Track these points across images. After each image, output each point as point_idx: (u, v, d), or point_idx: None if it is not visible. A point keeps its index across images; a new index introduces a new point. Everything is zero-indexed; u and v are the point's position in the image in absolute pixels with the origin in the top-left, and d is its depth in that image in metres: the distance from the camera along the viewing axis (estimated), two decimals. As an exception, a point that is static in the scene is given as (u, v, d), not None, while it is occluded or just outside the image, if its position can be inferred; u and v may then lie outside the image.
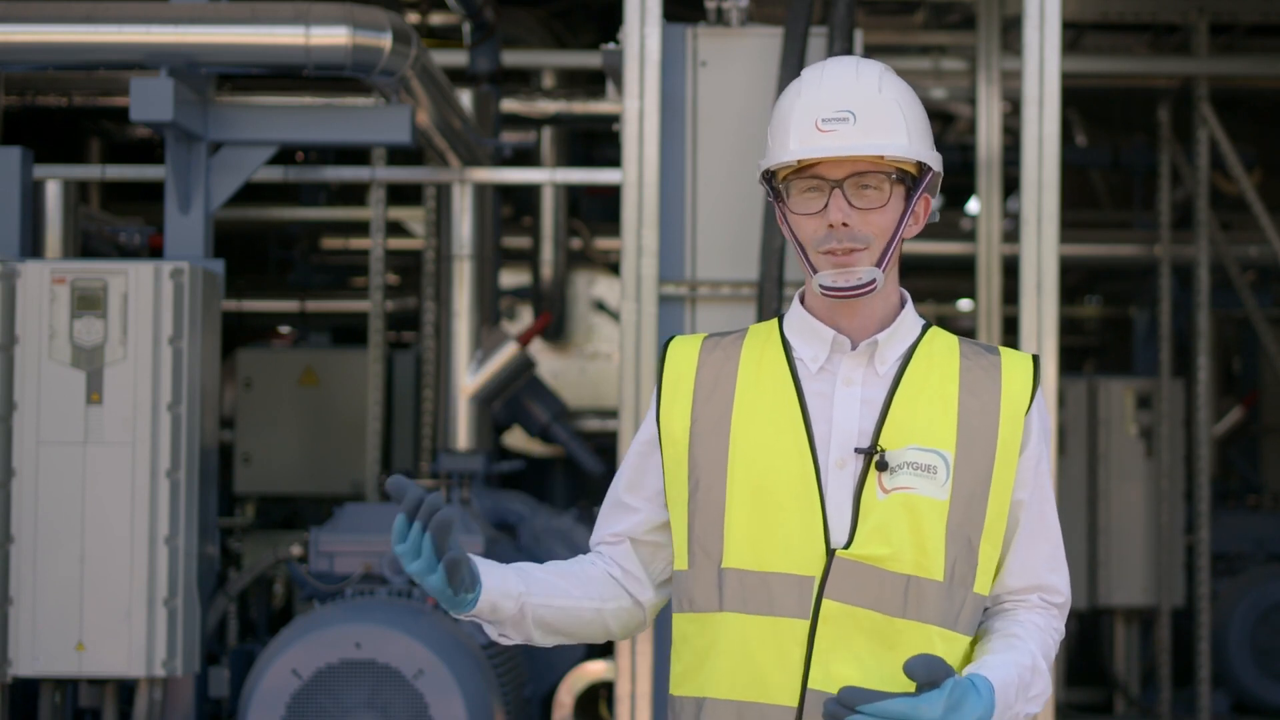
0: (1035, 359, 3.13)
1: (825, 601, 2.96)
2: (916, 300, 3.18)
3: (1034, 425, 3.08)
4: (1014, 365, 3.10)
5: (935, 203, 3.16)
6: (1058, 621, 3.12)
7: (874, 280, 3.01)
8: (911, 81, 3.19)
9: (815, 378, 3.06)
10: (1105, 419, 11.27)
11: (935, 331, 3.14)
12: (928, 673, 2.82)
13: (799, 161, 3.02)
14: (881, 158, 3.01)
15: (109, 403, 7.07)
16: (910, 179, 3.06)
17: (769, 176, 3.10)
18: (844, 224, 3.00)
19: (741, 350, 3.11)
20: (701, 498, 3.05)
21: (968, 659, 3.05)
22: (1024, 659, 3.01)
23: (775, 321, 3.15)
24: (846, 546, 2.97)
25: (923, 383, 3.05)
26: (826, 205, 3.01)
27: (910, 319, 3.10)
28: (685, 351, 3.14)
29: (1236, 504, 12.23)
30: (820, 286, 3.03)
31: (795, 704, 2.97)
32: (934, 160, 3.07)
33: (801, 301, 3.13)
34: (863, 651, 2.94)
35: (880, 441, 3.01)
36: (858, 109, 3.02)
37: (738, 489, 3.02)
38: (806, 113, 3.03)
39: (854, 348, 3.06)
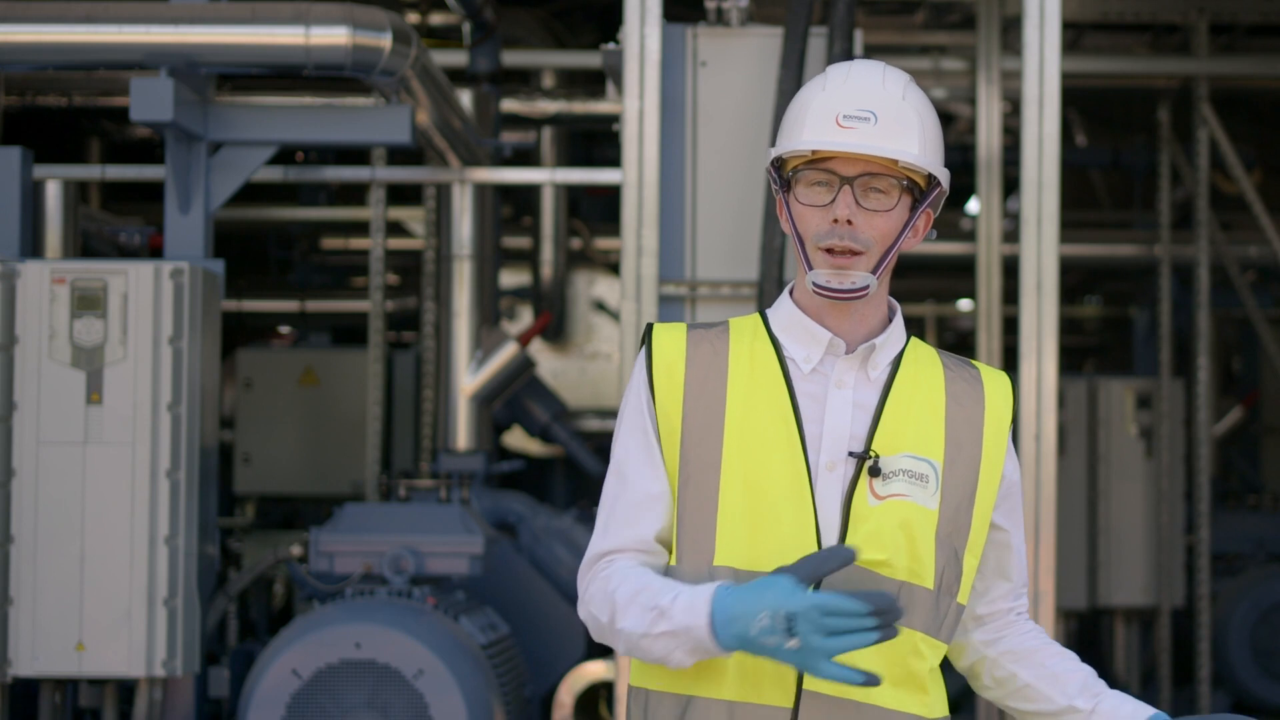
0: (1011, 379, 3.17)
1: None
2: (916, 300, 3.19)
3: (1010, 444, 3.13)
4: (994, 383, 3.13)
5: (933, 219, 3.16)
6: None
7: (867, 286, 3.01)
8: (910, 82, 3.18)
9: (807, 378, 3.05)
10: (1105, 419, 11.26)
11: (916, 342, 3.15)
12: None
13: (814, 153, 3.01)
14: (895, 162, 3.01)
15: (109, 403, 7.07)
16: (918, 190, 3.05)
17: (777, 165, 3.08)
18: (849, 221, 2.99)
19: (729, 346, 3.07)
20: (693, 493, 3.02)
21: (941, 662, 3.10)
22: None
23: (758, 317, 3.12)
24: None
25: (913, 391, 3.06)
26: (834, 200, 3.00)
27: (899, 328, 3.10)
28: (672, 341, 3.08)
29: (1236, 504, 12.21)
30: (813, 284, 3.01)
31: (790, 704, 2.96)
32: (943, 176, 3.06)
33: (791, 296, 3.11)
34: (855, 652, 2.92)
35: (873, 446, 3.01)
36: (880, 111, 3.02)
37: (731, 487, 3.00)
38: (828, 107, 3.03)
39: (848, 350, 3.05)
